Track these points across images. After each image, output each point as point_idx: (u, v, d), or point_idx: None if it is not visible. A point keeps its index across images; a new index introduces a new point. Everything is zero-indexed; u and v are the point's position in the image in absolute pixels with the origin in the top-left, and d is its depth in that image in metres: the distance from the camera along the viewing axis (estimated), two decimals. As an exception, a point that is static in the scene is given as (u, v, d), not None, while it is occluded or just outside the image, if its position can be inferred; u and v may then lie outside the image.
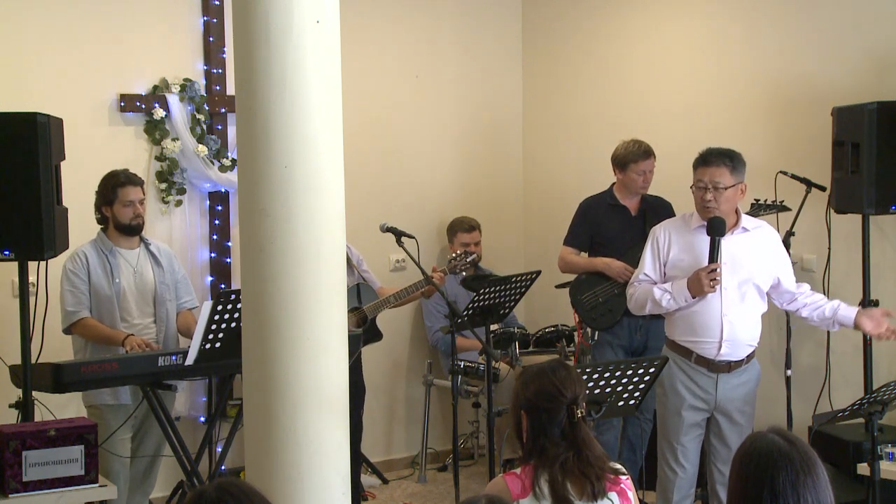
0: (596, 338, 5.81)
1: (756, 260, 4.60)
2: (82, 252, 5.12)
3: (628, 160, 5.77)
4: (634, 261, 5.65)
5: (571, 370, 3.17)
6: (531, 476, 3.03)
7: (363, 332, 5.82)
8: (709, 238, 4.52)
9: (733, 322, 4.56)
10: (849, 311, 4.63)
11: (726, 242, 4.55)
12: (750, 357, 4.65)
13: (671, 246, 4.70)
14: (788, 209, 5.49)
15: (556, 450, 3.03)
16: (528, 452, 3.10)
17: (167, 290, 5.29)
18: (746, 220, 4.66)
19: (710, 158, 4.56)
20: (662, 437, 4.75)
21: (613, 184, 5.91)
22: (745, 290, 4.58)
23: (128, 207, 5.15)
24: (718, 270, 4.48)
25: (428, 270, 5.55)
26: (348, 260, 5.91)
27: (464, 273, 5.98)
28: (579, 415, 3.05)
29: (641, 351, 5.73)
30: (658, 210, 5.80)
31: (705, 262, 4.51)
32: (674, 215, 5.79)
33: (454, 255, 5.94)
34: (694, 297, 4.54)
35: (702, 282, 4.47)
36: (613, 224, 5.82)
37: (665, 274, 4.70)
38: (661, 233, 4.76)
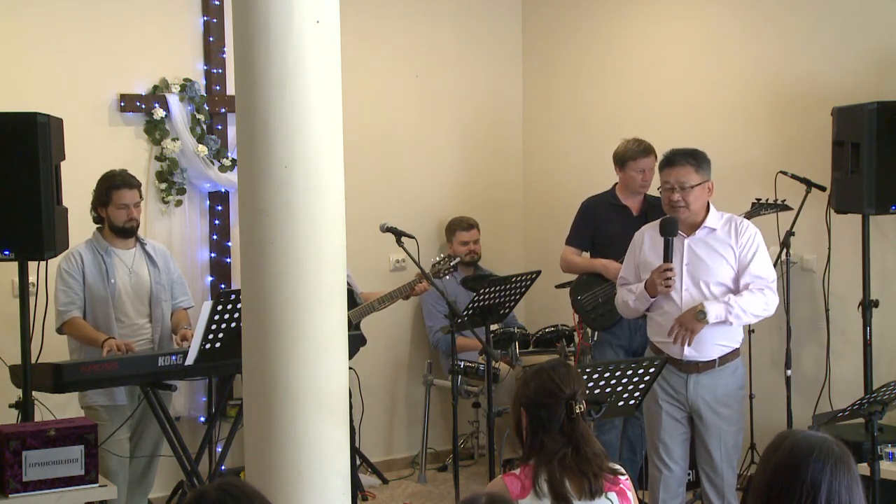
0: (596, 338, 5.81)
1: (719, 258, 4.58)
2: (77, 252, 5.11)
3: (627, 158, 5.77)
4: None
5: (571, 368, 3.19)
6: (531, 476, 3.04)
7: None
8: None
9: None
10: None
11: (690, 242, 4.58)
12: (726, 359, 4.59)
13: (643, 248, 4.73)
14: (790, 208, 5.49)
15: (555, 445, 3.05)
16: (528, 449, 3.12)
17: (163, 290, 5.28)
18: (714, 218, 4.62)
19: (675, 158, 4.58)
20: (648, 437, 4.79)
21: (616, 184, 5.92)
22: (707, 290, 4.55)
23: (121, 210, 5.14)
24: (673, 270, 4.50)
25: (428, 270, 5.56)
26: None
27: (447, 277, 5.96)
28: (578, 411, 3.07)
29: (641, 351, 5.71)
30: (660, 210, 5.79)
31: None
32: None
33: (437, 259, 5.90)
34: (652, 297, 4.58)
35: (654, 282, 4.52)
36: (615, 224, 5.82)
37: (641, 276, 4.72)
38: (638, 235, 4.81)
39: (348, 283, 5.90)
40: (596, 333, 5.81)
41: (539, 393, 3.10)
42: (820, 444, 2.33)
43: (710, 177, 4.61)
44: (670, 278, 4.50)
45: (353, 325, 5.86)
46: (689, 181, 4.53)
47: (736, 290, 4.56)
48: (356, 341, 5.71)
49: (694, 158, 4.57)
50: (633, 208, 5.85)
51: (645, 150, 5.76)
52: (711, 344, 4.56)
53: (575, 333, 6.18)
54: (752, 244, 4.57)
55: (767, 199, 5.49)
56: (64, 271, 5.09)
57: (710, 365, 4.57)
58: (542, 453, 3.06)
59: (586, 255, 5.95)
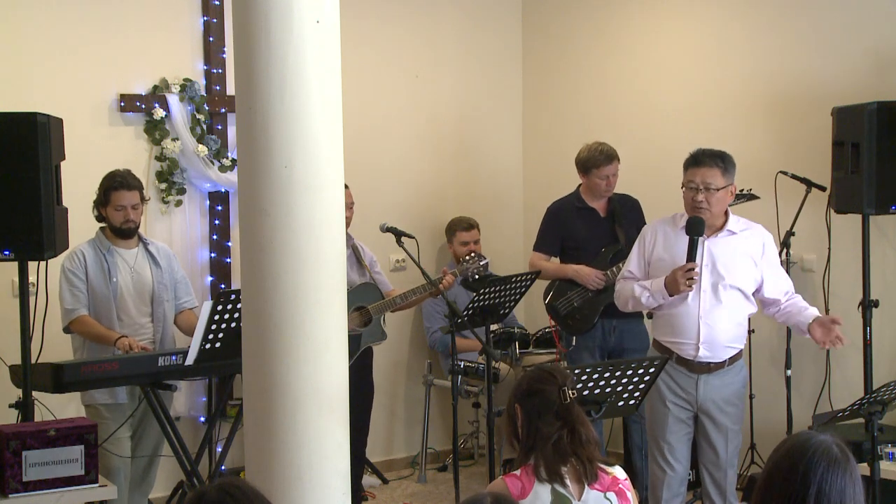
0: (574, 343, 5.78)
1: (739, 263, 4.57)
2: (80, 251, 5.12)
3: (591, 165, 5.74)
4: (606, 263, 5.65)
5: (559, 366, 3.29)
6: (532, 472, 3.07)
7: (366, 331, 5.80)
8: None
9: (711, 325, 4.54)
10: (804, 317, 4.56)
11: (710, 244, 4.56)
12: (734, 359, 4.61)
13: (655, 244, 4.70)
14: (757, 197, 5.49)
15: (550, 429, 3.11)
16: (525, 442, 3.15)
17: (165, 289, 5.29)
18: (735, 222, 4.62)
19: (703, 159, 4.54)
20: (651, 436, 4.78)
21: (579, 186, 5.90)
22: (725, 292, 4.55)
23: (119, 212, 5.15)
24: (696, 270, 4.48)
25: (428, 271, 5.54)
26: (360, 260, 5.91)
27: (476, 277, 5.92)
28: (571, 395, 3.13)
29: (616, 351, 5.71)
30: (626, 208, 5.80)
31: (684, 261, 4.52)
32: (641, 211, 5.81)
33: (467, 257, 5.85)
34: (671, 296, 4.55)
35: (677, 280, 4.48)
36: (583, 227, 5.80)
37: (649, 272, 4.70)
38: (648, 231, 4.77)
39: (376, 281, 5.90)
40: (574, 339, 5.79)
41: (532, 382, 3.19)
42: (818, 444, 2.34)
43: (734, 181, 4.59)
44: (693, 278, 4.48)
45: (372, 320, 5.81)
46: (715, 183, 4.50)
47: (748, 298, 4.59)
48: (356, 340, 5.70)
49: (722, 161, 4.53)
50: (600, 209, 5.83)
51: (608, 156, 5.73)
52: (725, 346, 4.58)
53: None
54: (776, 257, 4.65)
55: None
56: (68, 270, 5.09)
57: (720, 366, 4.58)
58: (538, 438, 3.11)
59: (555, 260, 5.93)
